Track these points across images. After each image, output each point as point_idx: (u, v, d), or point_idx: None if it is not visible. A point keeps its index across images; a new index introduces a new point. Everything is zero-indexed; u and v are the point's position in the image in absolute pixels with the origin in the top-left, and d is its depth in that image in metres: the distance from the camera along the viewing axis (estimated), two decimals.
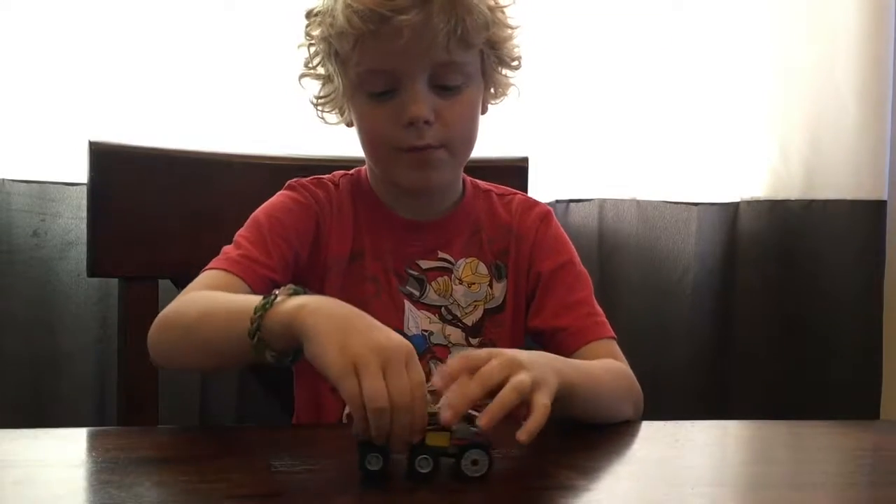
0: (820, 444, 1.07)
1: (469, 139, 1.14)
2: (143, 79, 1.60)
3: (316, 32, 1.13)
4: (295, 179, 1.20)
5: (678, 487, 0.85)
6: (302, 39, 1.17)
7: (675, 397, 1.77)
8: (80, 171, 1.44)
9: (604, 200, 1.77)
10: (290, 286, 0.91)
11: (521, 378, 0.85)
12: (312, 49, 1.16)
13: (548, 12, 1.70)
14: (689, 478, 0.89)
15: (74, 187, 1.56)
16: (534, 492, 0.81)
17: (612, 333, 1.17)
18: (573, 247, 1.23)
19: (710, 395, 1.80)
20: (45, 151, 1.58)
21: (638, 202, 1.79)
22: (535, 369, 0.88)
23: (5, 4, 1.55)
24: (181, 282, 1.35)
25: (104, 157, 1.31)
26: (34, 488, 0.77)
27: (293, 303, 0.88)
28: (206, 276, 1.09)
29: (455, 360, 0.87)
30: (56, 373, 1.59)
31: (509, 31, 1.14)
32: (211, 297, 1.02)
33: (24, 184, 1.56)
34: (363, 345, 0.80)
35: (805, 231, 1.81)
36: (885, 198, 1.80)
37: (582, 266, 1.22)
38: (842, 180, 1.80)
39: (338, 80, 1.14)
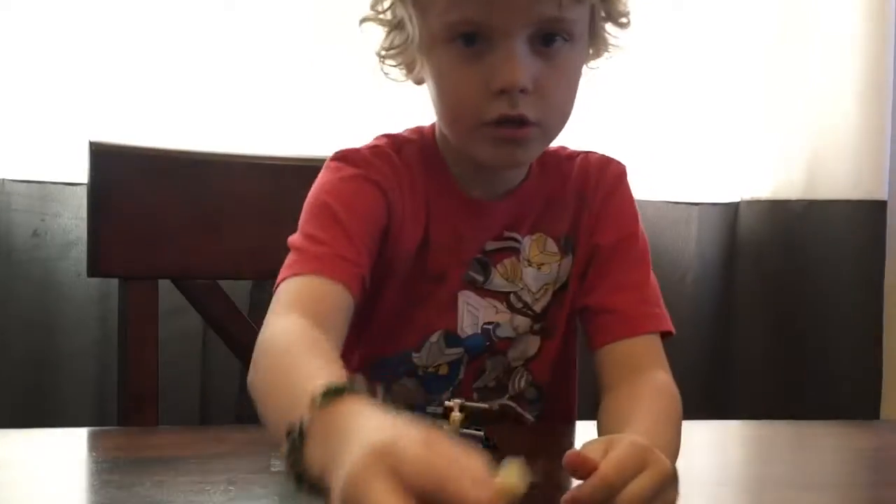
0: (820, 444, 1.07)
1: (566, 114, 0.96)
2: (143, 79, 1.60)
3: None
4: (348, 149, 0.99)
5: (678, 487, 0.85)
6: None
7: None
8: (80, 171, 1.44)
9: None
10: (316, 397, 0.64)
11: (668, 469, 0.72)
12: None
13: None
14: (689, 478, 0.89)
15: (74, 187, 1.56)
16: (533, 492, 0.81)
17: (665, 326, 0.99)
18: (638, 213, 1.07)
19: (710, 394, 1.80)
20: (45, 151, 1.57)
21: (638, 202, 1.78)
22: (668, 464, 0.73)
23: (5, 4, 1.55)
24: (181, 282, 1.35)
25: (104, 157, 1.31)
26: (34, 488, 0.77)
27: (318, 458, 0.61)
28: (289, 287, 0.89)
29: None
30: (56, 373, 1.58)
31: None
32: (280, 369, 0.83)
33: (24, 184, 1.56)
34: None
35: (806, 231, 1.81)
36: (885, 198, 1.80)
37: (644, 237, 1.05)
38: (842, 180, 1.80)
39: (413, 29, 0.93)
